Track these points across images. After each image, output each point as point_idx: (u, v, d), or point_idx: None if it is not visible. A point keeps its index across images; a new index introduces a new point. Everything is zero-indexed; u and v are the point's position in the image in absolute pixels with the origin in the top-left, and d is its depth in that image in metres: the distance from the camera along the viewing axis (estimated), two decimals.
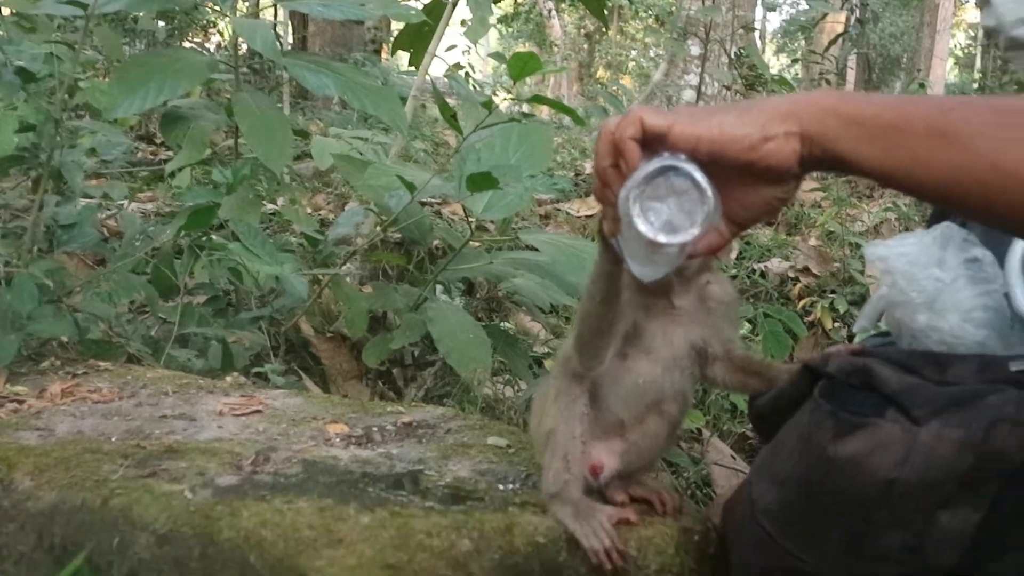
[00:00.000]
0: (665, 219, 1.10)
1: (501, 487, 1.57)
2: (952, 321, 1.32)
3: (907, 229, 4.81)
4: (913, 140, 1.03)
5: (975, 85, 14.06)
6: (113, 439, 1.67)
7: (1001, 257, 1.36)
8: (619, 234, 1.17)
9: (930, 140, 1.02)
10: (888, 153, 1.05)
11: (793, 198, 1.19)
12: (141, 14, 6.68)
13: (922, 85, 9.05)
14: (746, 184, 1.13)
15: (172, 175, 3.65)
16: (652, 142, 1.10)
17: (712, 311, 1.47)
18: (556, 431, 1.44)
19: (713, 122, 1.09)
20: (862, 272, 4.22)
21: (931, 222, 1.58)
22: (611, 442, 1.49)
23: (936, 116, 1.04)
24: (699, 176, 1.08)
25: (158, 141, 6.18)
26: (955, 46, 23.72)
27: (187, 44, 8.35)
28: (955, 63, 23.94)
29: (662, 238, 1.10)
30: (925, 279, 1.34)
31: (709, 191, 1.09)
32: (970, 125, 1.01)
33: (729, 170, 1.10)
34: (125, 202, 3.99)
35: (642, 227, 1.09)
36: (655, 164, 1.09)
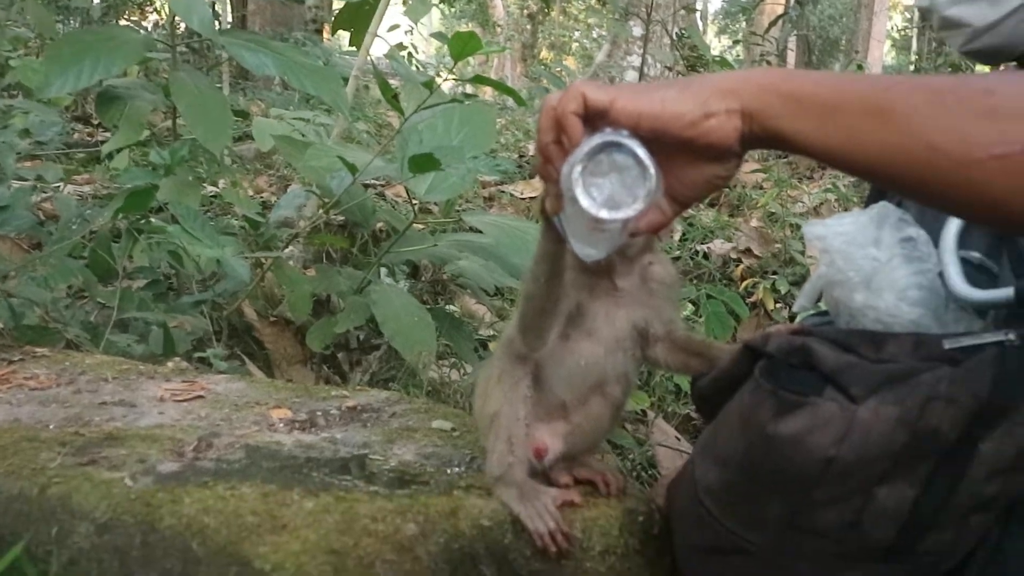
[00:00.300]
0: (607, 195, 1.10)
1: (447, 471, 1.57)
2: (888, 300, 1.34)
3: (846, 210, 4.88)
4: (850, 118, 1.04)
5: (911, 67, 14.30)
6: (51, 427, 1.64)
7: (935, 236, 1.39)
8: (561, 212, 1.17)
9: (867, 118, 1.04)
10: (826, 131, 1.06)
11: (734, 176, 1.20)
12: None
13: (860, 67, 9.18)
14: (688, 162, 1.14)
15: (109, 156, 3.59)
16: (594, 118, 1.09)
17: (654, 292, 1.48)
18: (499, 413, 1.44)
19: (655, 97, 1.09)
20: (803, 253, 4.28)
21: (868, 202, 1.60)
22: (555, 424, 1.50)
23: (873, 94, 1.05)
24: (641, 152, 1.08)
25: (95, 122, 6.07)
26: (892, 28, 24.09)
27: (123, 22, 8.18)
28: (892, 45, 24.30)
29: (604, 214, 1.09)
30: (862, 258, 1.36)
31: (651, 167, 1.09)
32: (906, 104, 1.03)
33: (671, 147, 1.10)
34: (61, 184, 3.92)
35: (584, 203, 1.09)
36: (597, 140, 1.09)
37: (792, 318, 3.66)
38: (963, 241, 1.37)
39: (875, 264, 1.35)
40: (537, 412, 1.47)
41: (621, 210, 1.10)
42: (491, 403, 1.46)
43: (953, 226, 1.37)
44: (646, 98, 1.09)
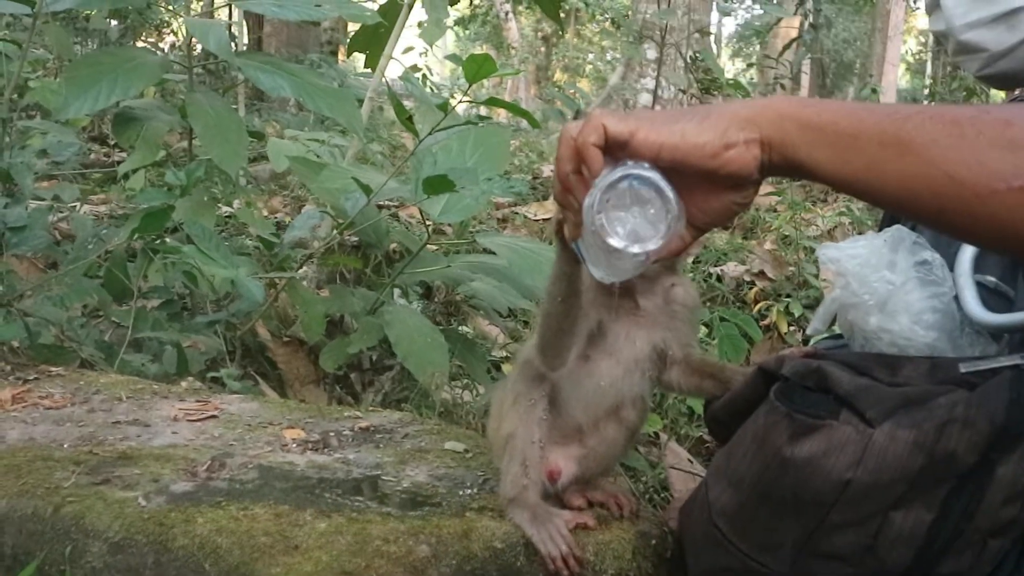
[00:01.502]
0: (630, 228, 1.11)
1: (459, 492, 1.57)
2: (903, 323, 1.34)
3: (860, 233, 4.87)
4: (869, 148, 1.04)
5: (926, 91, 14.29)
6: (65, 446, 1.65)
7: (950, 260, 1.39)
8: (580, 238, 1.17)
9: (885, 148, 1.03)
10: (844, 160, 1.06)
11: (752, 202, 1.20)
12: (93, 13, 6.59)
13: (874, 90, 9.16)
14: (706, 189, 1.14)
15: (125, 177, 3.61)
16: (614, 148, 1.10)
17: (675, 314, 1.48)
18: (514, 435, 1.44)
19: (675, 129, 1.09)
20: (816, 276, 4.26)
21: (883, 225, 1.60)
22: (569, 447, 1.50)
23: (892, 124, 1.04)
24: (664, 185, 1.09)
25: (111, 142, 6.11)
26: (906, 52, 24.09)
27: (140, 44, 8.25)
28: (906, 69, 24.31)
29: (628, 247, 1.10)
30: (876, 281, 1.36)
31: (674, 200, 1.09)
32: (925, 134, 1.02)
33: (690, 176, 1.10)
34: (77, 204, 3.94)
35: (612, 241, 1.10)
36: (619, 172, 1.09)
37: (806, 341, 3.65)
38: (978, 265, 1.36)
39: (890, 287, 1.35)
40: (552, 435, 1.47)
41: (645, 243, 1.11)
42: (506, 424, 1.45)
43: (968, 251, 1.37)
44: (666, 129, 1.09)
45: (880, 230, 1.54)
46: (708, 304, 4.02)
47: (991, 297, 1.34)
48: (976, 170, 0.99)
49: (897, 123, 1.04)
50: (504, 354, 3.26)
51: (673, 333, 1.48)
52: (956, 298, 1.35)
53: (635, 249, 1.10)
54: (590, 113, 1.12)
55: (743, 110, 1.09)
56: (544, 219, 5.43)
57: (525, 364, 1.47)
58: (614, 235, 1.10)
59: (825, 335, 1.66)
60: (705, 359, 1.53)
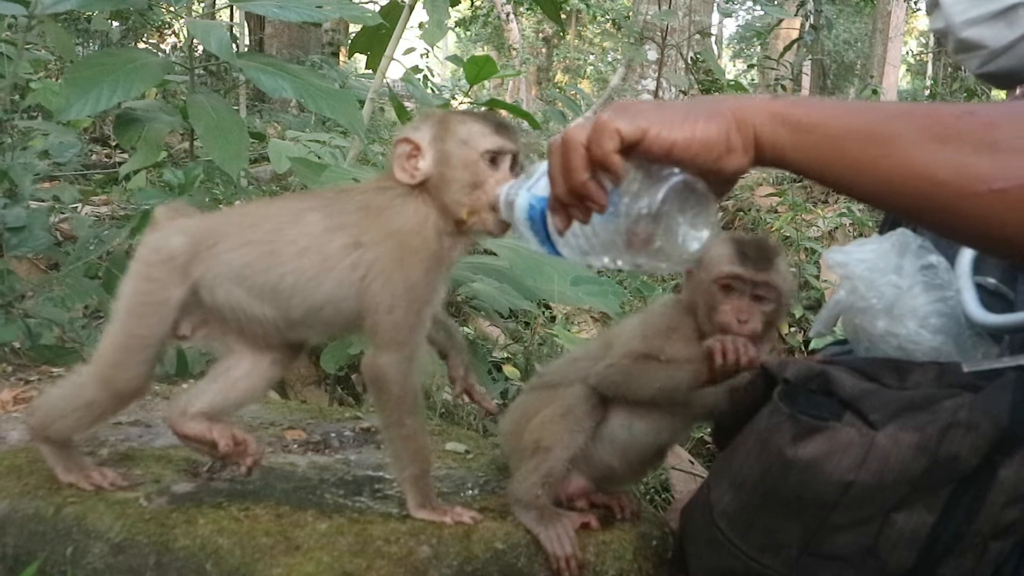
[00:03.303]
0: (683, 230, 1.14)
1: (460, 493, 1.57)
2: (910, 327, 1.34)
3: (861, 235, 4.87)
4: (854, 148, 1.06)
5: (927, 92, 14.29)
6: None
7: (950, 262, 1.39)
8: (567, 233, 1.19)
9: (871, 148, 1.05)
10: (832, 160, 1.08)
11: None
12: (94, 14, 6.59)
13: (875, 91, 9.16)
14: None
15: (127, 178, 3.61)
16: (626, 151, 1.10)
17: None
18: (551, 451, 1.45)
19: (686, 128, 1.10)
20: (818, 277, 4.27)
21: (883, 228, 1.60)
22: (594, 476, 1.53)
23: (877, 125, 1.06)
24: (701, 186, 1.13)
25: (112, 143, 6.11)
26: (907, 53, 24.08)
27: (141, 45, 8.25)
28: (907, 70, 24.29)
29: (695, 245, 1.14)
30: (884, 285, 1.36)
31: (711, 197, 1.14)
32: (908, 135, 1.04)
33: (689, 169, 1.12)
34: (78, 205, 3.94)
35: (694, 245, 1.14)
36: (676, 179, 1.11)
37: (807, 342, 3.65)
38: (978, 267, 1.36)
39: (897, 291, 1.35)
40: (580, 465, 1.49)
41: (704, 236, 1.15)
42: (546, 435, 1.46)
43: (968, 253, 1.37)
44: (678, 129, 1.09)
45: (881, 232, 1.54)
46: None
47: (992, 299, 1.34)
48: (957, 172, 1.01)
49: (882, 124, 1.06)
50: (505, 355, 3.26)
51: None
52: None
53: (699, 245, 1.14)
54: (597, 118, 1.11)
55: (739, 111, 1.11)
56: None
57: (590, 389, 1.48)
58: (698, 243, 1.14)
59: (831, 340, 1.66)
60: None
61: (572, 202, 1.13)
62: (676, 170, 1.11)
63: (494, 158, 1.37)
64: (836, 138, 1.07)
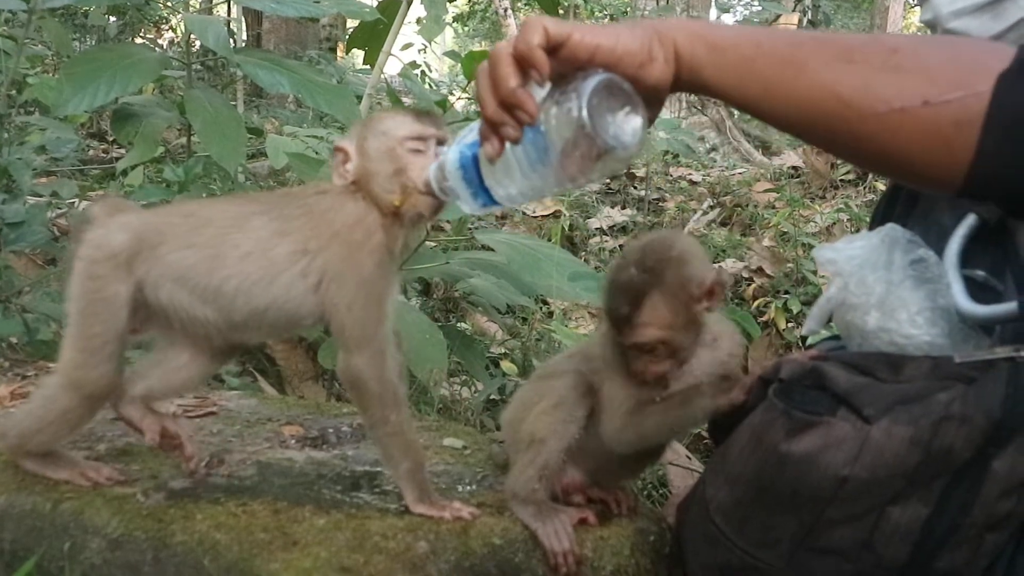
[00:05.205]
0: (613, 130, 1.13)
1: (458, 488, 1.57)
2: (901, 321, 1.34)
3: (858, 230, 4.87)
4: (766, 70, 1.11)
5: None
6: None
7: (938, 254, 1.39)
8: (499, 157, 1.18)
9: (781, 70, 1.10)
10: (745, 81, 1.13)
11: (654, 121, 1.25)
12: (92, 9, 6.58)
13: None
14: None
15: (124, 173, 3.60)
16: (551, 51, 1.11)
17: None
18: (544, 442, 1.45)
19: (610, 33, 1.13)
20: (815, 273, 4.27)
21: (873, 224, 1.60)
22: (589, 465, 1.52)
23: (788, 48, 1.11)
24: (628, 86, 1.13)
25: (110, 139, 6.10)
26: None
27: (139, 40, 8.23)
28: None
29: (627, 139, 1.13)
30: (874, 281, 1.36)
31: (639, 99, 1.14)
32: (817, 58, 1.09)
33: None
34: (76, 200, 3.94)
35: (627, 138, 1.12)
36: (598, 76, 1.11)
37: (803, 339, 3.65)
38: (967, 260, 1.36)
39: (888, 286, 1.35)
40: (576, 456, 1.49)
41: (636, 125, 1.14)
42: (540, 427, 1.46)
43: (955, 244, 1.37)
44: (602, 34, 1.13)
45: (871, 228, 1.54)
46: None
47: (981, 291, 1.34)
48: (862, 92, 1.06)
49: (793, 48, 1.12)
50: (502, 351, 3.26)
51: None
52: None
53: (628, 138, 1.13)
54: (525, 20, 1.13)
55: (662, 27, 1.15)
56: (543, 216, 5.43)
57: (577, 374, 1.48)
58: (629, 136, 1.13)
59: (826, 336, 1.66)
60: None
61: (502, 119, 1.14)
62: (600, 70, 1.12)
63: (417, 144, 1.40)
64: (749, 59, 1.12)
